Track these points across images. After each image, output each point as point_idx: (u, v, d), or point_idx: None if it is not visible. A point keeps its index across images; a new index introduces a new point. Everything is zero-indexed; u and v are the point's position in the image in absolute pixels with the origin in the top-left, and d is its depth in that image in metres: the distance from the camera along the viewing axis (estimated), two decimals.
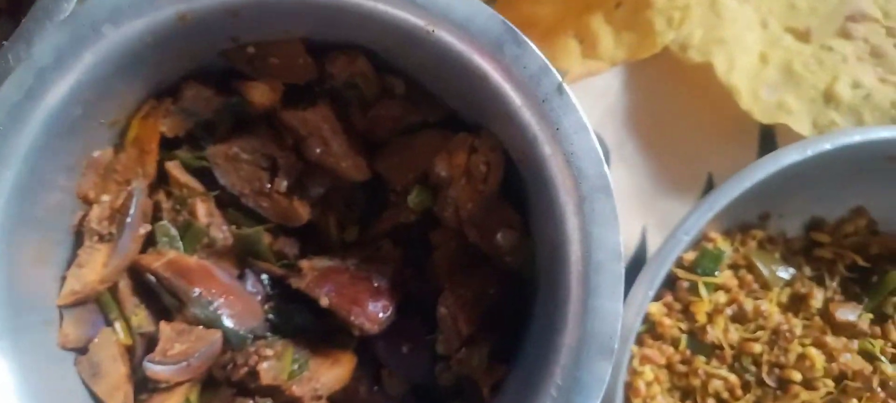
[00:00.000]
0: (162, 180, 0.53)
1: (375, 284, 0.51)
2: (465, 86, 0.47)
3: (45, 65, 0.42)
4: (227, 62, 0.51)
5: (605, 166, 0.41)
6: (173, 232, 0.51)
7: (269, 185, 0.52)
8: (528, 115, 0.43)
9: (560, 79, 0.42)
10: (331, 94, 0.52)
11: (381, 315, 0.49)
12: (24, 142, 0.44)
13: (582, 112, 0.41)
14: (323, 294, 0.49)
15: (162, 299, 0.50)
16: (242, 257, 0.53)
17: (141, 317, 0.50)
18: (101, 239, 0.49)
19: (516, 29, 0.42)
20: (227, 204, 0.53)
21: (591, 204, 0.41)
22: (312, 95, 0.52)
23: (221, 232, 0.52)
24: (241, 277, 0.53)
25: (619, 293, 0.40)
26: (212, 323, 0.49)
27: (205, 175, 0.53)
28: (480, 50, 0.43)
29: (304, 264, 0.51)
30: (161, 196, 0.52)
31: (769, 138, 0.61)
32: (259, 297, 0.52)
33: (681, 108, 0.61)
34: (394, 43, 0.48)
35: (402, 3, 0.44)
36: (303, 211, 0.51)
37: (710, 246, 0.53)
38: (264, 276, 0.53)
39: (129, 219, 0.48)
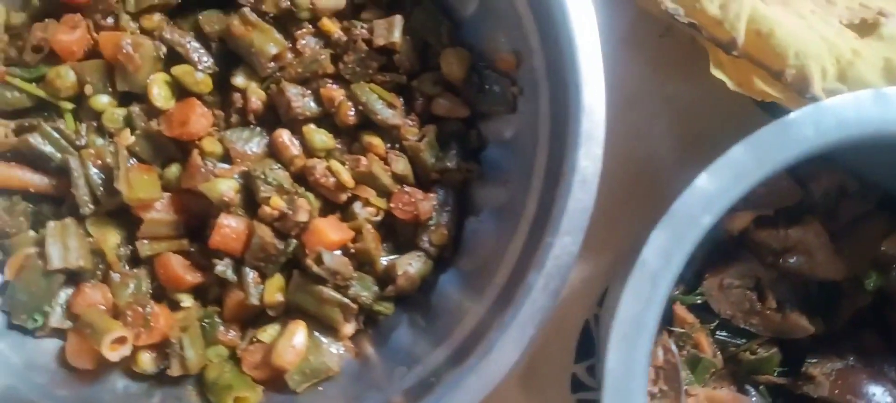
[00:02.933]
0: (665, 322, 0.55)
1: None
2: None
3: (657, 268, 0.44)
4: None
5: None
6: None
7: (759, 305, 0.55)
8: None
9: None
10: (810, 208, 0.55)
11: None
12: None
13: None
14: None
15: None
16: (740, 375, 0.56)
17: None
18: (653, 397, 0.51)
19: None
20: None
21: None
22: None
23: (716, 358, 0.55)
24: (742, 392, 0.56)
25: None
26: None
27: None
28: None
29: (815, 372, 0.54)
30: (665, 336, 0.54)
31: None
32: None
33: None
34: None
35: None
36: (803, 323, 0.54)
37: None
38: (761, 388, 0.56)
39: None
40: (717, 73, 0.54)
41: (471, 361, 0.47)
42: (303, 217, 0.52)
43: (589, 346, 0.63)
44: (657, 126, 0.66)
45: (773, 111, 0.61)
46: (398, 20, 0.56)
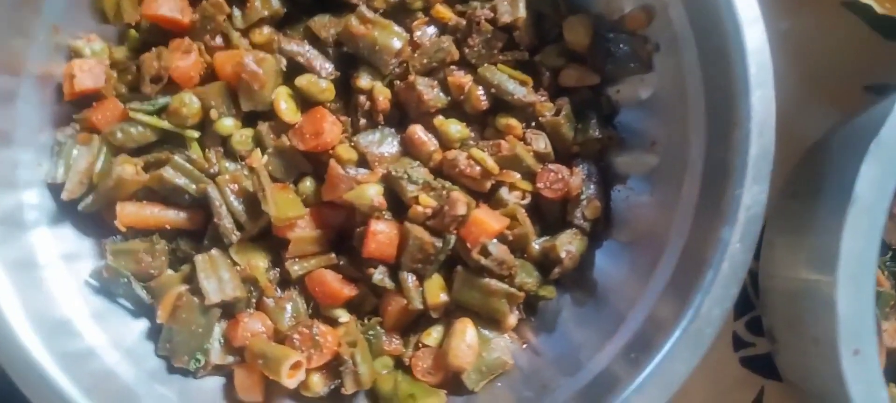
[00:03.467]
0: None
1: None
2: None
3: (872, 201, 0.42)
4: None
5: None
6: None
7: None
8: None
9: None
10: None
11: None
12: None
13: None
14: None
15: None
16: None
17: None
18: None
19: None
20: None
21: None
22: None
23: (893, 290, 0.53)
24: None
25: None
26: None
27: None
28: None
29: None
30: None
31: None
32: None
33: None
34: None
35: None
36: None
37: None
38: None
39: None
40: None
41: (674, 328, 0.45)
42: (461, 210, 0.50)
43: (745, 302, 0.61)
44: (778, 65, 0.64)
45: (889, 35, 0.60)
46: None
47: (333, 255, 0.53)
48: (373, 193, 0.51)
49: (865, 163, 0.41)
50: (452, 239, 0.51)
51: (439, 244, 0.51)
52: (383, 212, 0.52)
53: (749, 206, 0.45)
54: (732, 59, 0.47)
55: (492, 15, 0.54)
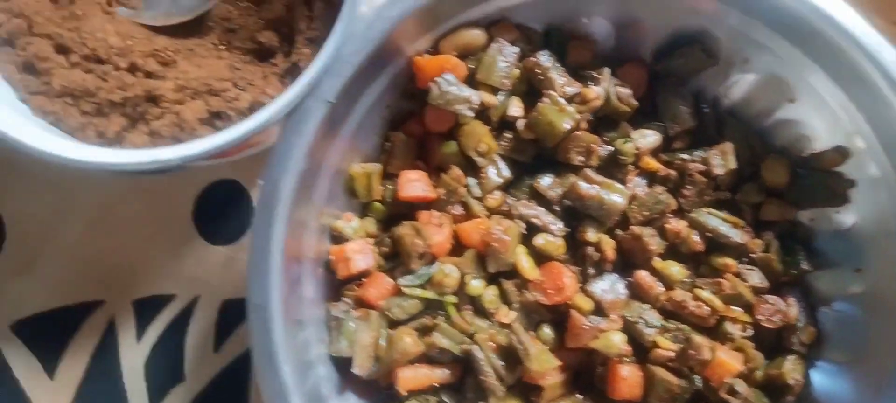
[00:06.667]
0: None
1: None
2: None
3: None
4: None
5: None
6: None
7: None
8: None
9: None
10: None
11: None
12: None
13: None
14: None
15: None
16: None
17: None
18: None
19: None
20: None
21: None
22: None
23: None
24: None
25: None
26: None
27: None
28: None
29: None
30: None
31: None
32: None
33: None
34: None
35: None
36: None
37: None
38: None
39: None
40: None
41: None
42: (707, 355, 0.56)
43: None
44: None
45: None
46: (729, 147, 0.60)
47: (579, 395, 0.59)
48: (618, 341, 0.57)
49: None
50: (697, 379, 0.57)
51: (685, 384, 0.57)
52: (626, 356, 0.58)
53: None
54: None
55: (704, 167, 0.60)
